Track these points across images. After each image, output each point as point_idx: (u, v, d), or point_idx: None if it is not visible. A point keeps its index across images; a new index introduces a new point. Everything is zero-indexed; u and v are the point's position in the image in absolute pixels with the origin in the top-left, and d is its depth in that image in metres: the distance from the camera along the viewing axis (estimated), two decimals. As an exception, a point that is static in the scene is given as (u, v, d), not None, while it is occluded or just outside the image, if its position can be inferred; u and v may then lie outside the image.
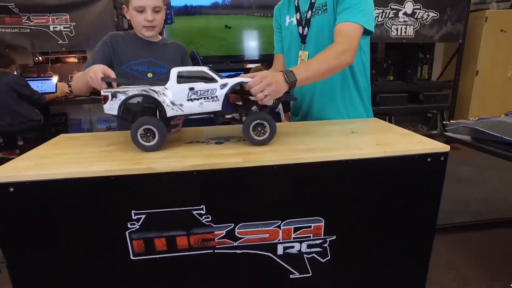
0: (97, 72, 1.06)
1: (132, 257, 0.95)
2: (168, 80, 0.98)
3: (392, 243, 1.09)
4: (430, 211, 1.06)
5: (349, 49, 1.19)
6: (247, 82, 1.00)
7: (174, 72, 0.98)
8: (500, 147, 1.65)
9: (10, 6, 3.34)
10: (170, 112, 0.98)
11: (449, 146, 1.01)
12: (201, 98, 0.98)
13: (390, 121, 4.20)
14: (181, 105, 0.98)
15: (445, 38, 4.13)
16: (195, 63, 2.52)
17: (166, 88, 0.98)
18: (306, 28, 1.38)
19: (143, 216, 0.92)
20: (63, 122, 4.43)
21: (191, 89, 0.97)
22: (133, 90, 0.97)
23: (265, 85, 0.97)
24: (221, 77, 1.00)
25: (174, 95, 0.97)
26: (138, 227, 0.93)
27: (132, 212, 0.91)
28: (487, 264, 1.93)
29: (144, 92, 0.97)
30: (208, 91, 0.97)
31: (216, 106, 0.99)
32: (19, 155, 4.00)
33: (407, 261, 1.12)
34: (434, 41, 4.15)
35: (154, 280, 0.99)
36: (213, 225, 0.96)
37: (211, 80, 0.98)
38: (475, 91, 4.42)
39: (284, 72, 1.04)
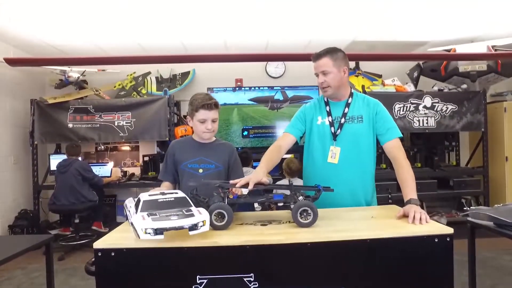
0: None
1: (193, 317, 1.18)
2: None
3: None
4: (445, 288, 1.23)
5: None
6: None
7: None
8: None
9: (88, 107, 4.18)
10: None
11: (452, 229, 1.22)
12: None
13: (421, 207, 4.25)
14: None
15: (467, 128, 4.37)
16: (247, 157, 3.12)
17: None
18: (339, 130, 1.77)
19: (205, 281, 1.18)
20: (112, 203, 4.89)
21: None
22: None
23: (418, 214, 1.33)
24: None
25: None
26: (200, 290, 1.18)
27: (197, 276, 1.17)
28: None
29: None
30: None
31: None
32: (72, 232, 4.44)
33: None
34: (457, 130, 4.40)
35: None
36: (259, 291, 1.18)
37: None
38: (508, 177, 4.47)
39: (415, 203, 1.45)
